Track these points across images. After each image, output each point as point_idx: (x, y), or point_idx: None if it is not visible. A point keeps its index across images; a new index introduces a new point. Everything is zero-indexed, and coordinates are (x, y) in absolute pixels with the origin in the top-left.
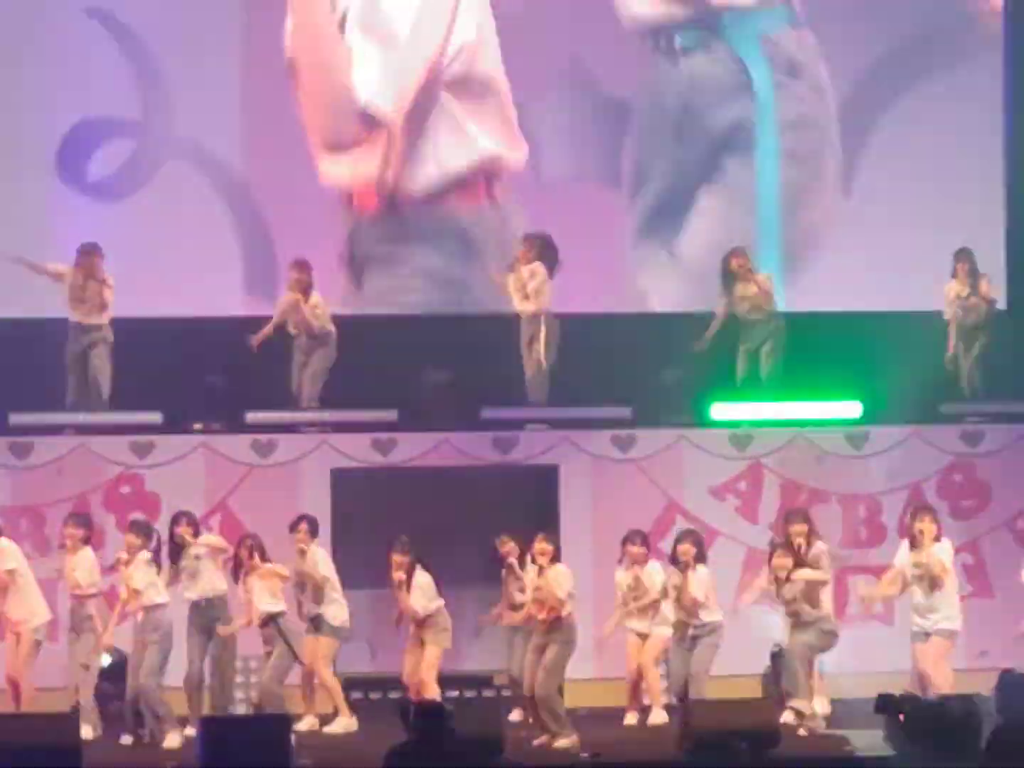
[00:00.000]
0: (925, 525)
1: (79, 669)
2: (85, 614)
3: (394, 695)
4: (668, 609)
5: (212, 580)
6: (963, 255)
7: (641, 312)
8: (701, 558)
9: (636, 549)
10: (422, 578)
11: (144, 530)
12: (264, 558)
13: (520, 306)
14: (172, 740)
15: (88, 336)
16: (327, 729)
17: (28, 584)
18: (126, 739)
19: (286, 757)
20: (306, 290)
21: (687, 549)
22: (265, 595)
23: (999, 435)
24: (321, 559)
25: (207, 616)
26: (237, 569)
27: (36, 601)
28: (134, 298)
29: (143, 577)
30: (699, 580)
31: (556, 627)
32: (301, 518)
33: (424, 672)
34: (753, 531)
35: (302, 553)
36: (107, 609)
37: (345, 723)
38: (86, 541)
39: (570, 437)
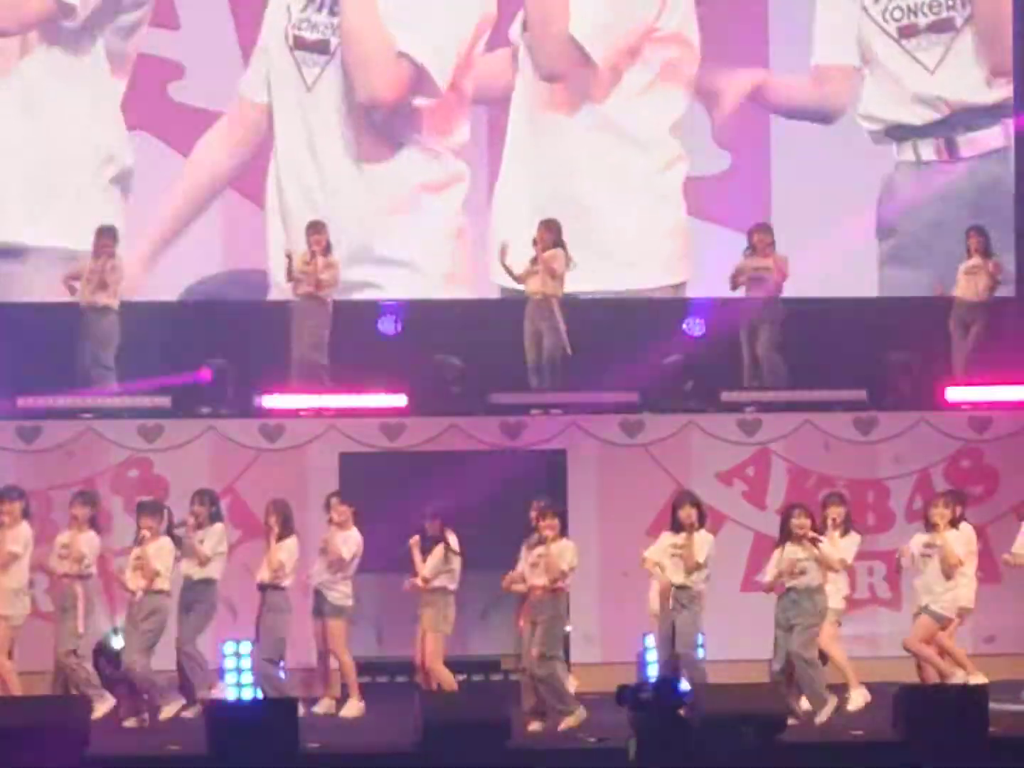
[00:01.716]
0: (939, 511)
1: (66, 654)
2: (73, 595)
3: (401, 679)
4: None
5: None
6: (976, 231)
7: (648, 295)
8: (703, 522)
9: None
10: (446, 551)
11: (157, 510)
12: (288, 529)
13: (535, 288)
14: (169, 711)
15: (101, 317)
16: (342, 713)
17: (23, 572)
18: (129, 722)
19: (293, 741)
20: (324, 250)
21: (689, 512)
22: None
23: (1006, 421)
24: (355, 540)
25: (188, 597)
26: (269, 534)
27: (23, 592)
28: (144, 280)
29: (164, 561)
30: (703, 542)
31: (548, 600)
32: (330, 496)
33: (429, 661)
34: (760, 516)
35: (340, 526)
36: (99, 592)
37: (357, 707)
38: (92, 521)
39: (578, 422)
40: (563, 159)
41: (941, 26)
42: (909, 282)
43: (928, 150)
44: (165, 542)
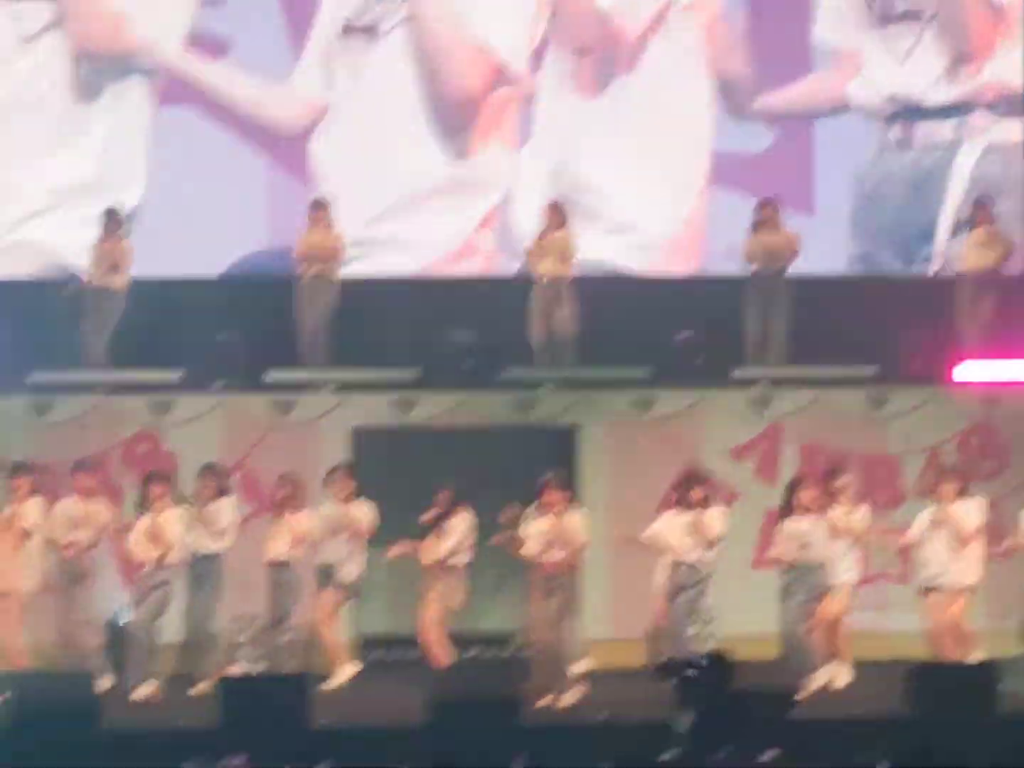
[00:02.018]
0: (946, 485)
1: (80, 623)
2: (87, 564)
3: (413, 654)
4: None
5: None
6: (982, 203)
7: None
8: (710, 498)
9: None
10: (460, 524)
11: (166, 479)
12: (303, 502)
13: (548, 269)
14: (138, 692)
15: (110, 300)
16: (336, 680)
17: (35, 547)
18: (141, 692)
19: (306, 716)
20: (330, 227)
21: (698, 491)
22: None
23: (1017, 398)
24: (370, 513)
25: (198, 572)
26: (280, 507)
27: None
28: (156, 257)
29: (178, 531)
30: (719, 515)
31: (566, 574)
32: (336, 468)
33: (427, 629)
34: (772, 493)
35: (347, 500)
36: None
37: (347, 671)
38: (95, 491)
39: (589, 398)
40: (587, 134)
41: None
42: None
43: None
44: (177, 512)
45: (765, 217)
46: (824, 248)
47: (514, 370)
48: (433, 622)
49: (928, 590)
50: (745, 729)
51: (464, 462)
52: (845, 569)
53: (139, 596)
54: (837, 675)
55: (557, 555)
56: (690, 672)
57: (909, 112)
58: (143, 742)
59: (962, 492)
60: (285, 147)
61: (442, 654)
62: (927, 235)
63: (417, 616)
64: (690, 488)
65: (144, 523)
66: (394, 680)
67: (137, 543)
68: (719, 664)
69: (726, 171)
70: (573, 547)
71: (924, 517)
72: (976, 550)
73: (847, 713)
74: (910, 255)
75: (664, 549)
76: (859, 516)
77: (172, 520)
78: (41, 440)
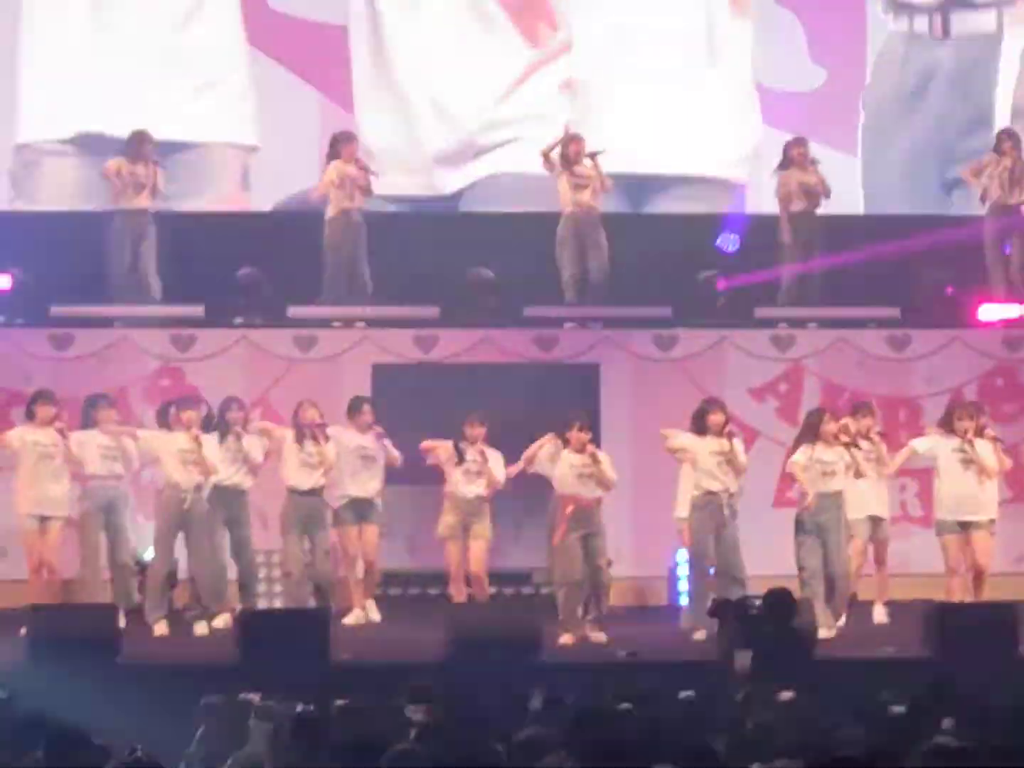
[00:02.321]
0: (965, 422)
1: (126, 559)
2: (126, 493)
3: (433, 591)
4: None
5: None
6: (1009, 133)
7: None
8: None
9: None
10: (496, 454)
11: (196, 405)
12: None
13: (585, 200)
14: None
15: (138, 223)
16: (371, 616)
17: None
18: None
19: (325, 651)
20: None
21: (721, 418)
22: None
23: None
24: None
25: (230, 505)
26: (302, 437)
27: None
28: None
29: (216, 456)
30: (741, 447)
31: (599, 511)
32: (362, 399)
33: (476, 567)
34: (792, 432)
35: (377, 433)
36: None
37: (367, 613)
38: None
39: (611, 336)
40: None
41: None
42: None
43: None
44: (212, 438)
45: (796, 155)
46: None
47: (536, 308)
48: (484, 561)
49: (954, 525)
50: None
51: (484, 400)
52: (878, 503)
53: (167, 526)
54: (877, 613)
55: (592, 492)
56: (753, 610)
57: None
58: (162, 676)
59: (981, 430)
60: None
61: (486, 591)
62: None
63: (448, 547)
64: (711, 413)
65: (177, 446)
66: (414, 616)
67: (174, 468)
68: (781, 602)
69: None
70: (606, 485)
71: (945, 449)
72: (995, 487)
73: (866, 653)
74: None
75: (691, 462)
76: (883, 454)
77: (211, 446)
78: (61, 373)
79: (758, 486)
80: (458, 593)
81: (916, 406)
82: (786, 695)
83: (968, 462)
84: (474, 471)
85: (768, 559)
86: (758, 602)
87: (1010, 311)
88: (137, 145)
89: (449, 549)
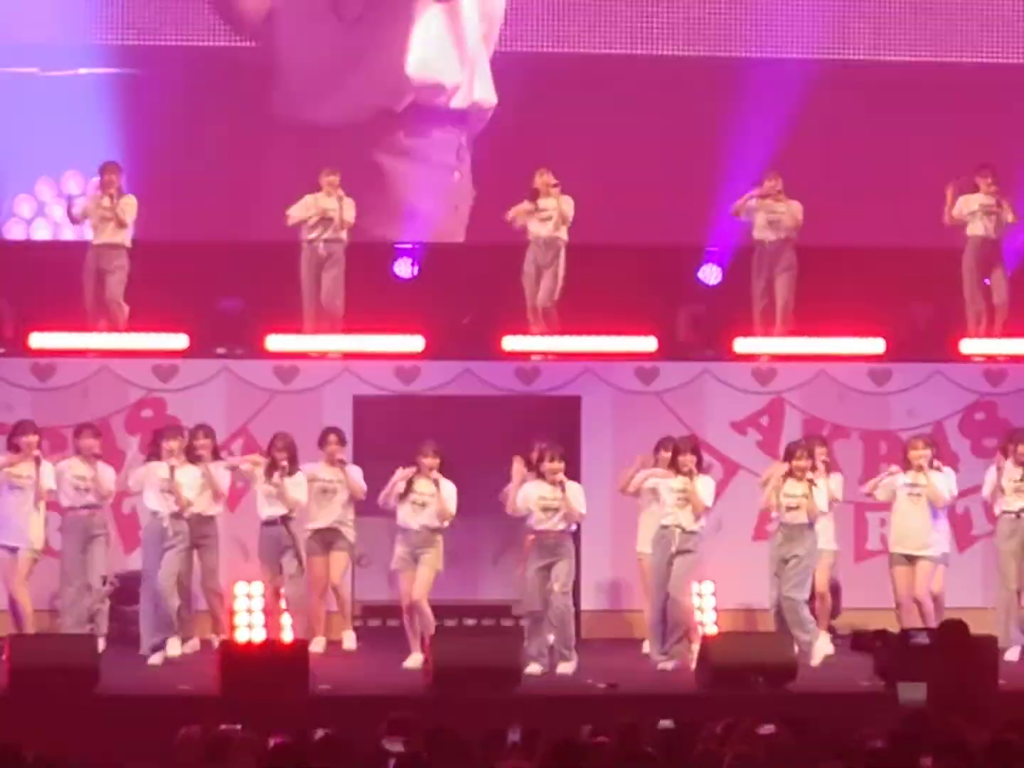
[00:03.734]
0: (919, 452)
1: (101, 582)
2: (100, 525)
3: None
4: None
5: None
6: (986, 169)
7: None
8: (700, 467)
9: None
10: (449, 485)
11: (177, 435)
12: (296, 465)
13: (546, 232)
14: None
15: (104, 258)
16: (346, 646)
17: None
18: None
19: (304, 682)
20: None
21: (689, 459)
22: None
23: (1021, 374)
24: (359, 474)
25: (196, 532)
26: (272, 469)
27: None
28: (160, 220)
29: (190, 484)
30: (707, 486)
31: (567, 542)
32: (329, 431)
33: (418, 593)
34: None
35: (342, 464)
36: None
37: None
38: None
39: (593, 368)
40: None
41: None
42: None
43: None
44: (192, 469)
45: (768, 188)
46: None
47: (516, 340)
48: (427, 586)
49: (915, 561)
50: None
51: (465, 432)
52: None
53: (150, 555)
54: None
55: (556, 524)
56: (920, 641)
57: None
58: (141, 706)
59: (933, 462)
60: None
61: (430, 620)
62: None
63: (400, 578)
64: (681, 454)
65: (188, 473)
66: (392, 648)
67: (155, 497)
68: (956, 633)
69: None
70: (575, 519)
71: (899, 485)
72: (946, 521)
73: (845, 687)
74: None
75: (650, 495)
76: (834, 484)
77: (190, 476)
78: (43, 405)
79: (738, 519)
80: (409, 625)
81: (897, 440)
82: (767, 728)
83: (917, 496)
84: (419, 503)
85: (746, 592)
86: (923, 634)
87: (991, 345)
88: (104, 175)
89: (400, 580)
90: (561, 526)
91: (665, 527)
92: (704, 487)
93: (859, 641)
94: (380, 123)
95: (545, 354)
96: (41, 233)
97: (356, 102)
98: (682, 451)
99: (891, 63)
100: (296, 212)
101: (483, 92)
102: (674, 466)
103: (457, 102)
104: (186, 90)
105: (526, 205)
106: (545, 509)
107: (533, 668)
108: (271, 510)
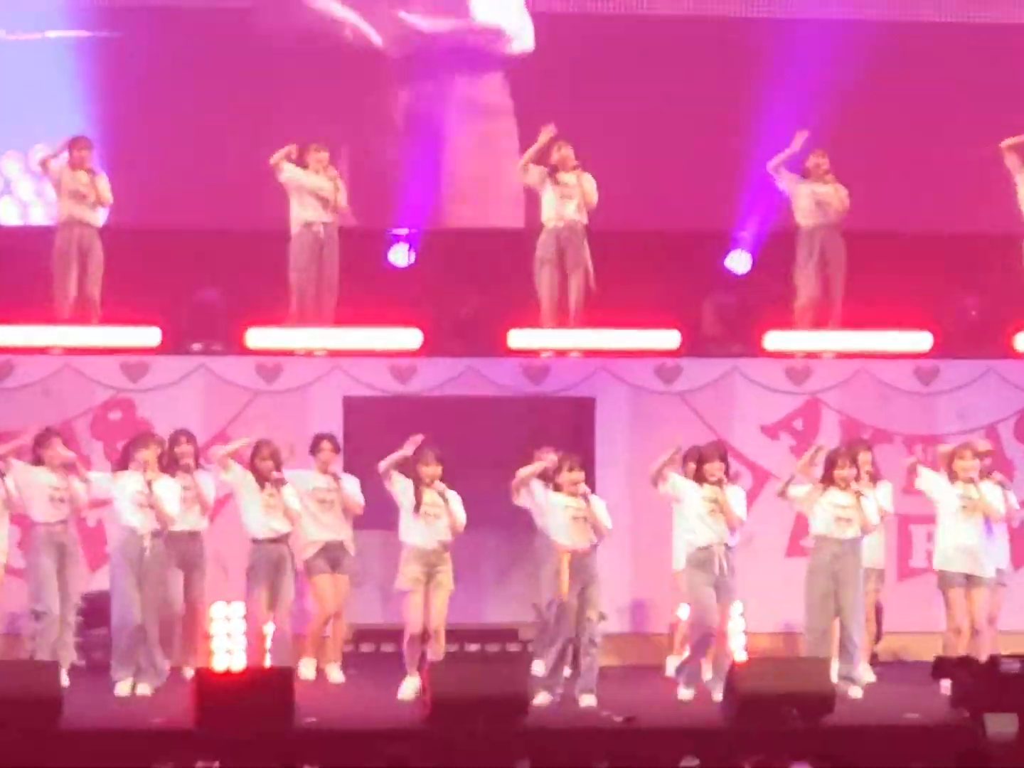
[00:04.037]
0: (967, 463)
1: (72, 608)
2: (72, 541)
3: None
4: None
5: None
6: None
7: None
8: (729, 476)
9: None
10: (455, 495)
11: (154, 442)
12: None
13: (569, 214)
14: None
15: (85, 241)
16: (333, 679)
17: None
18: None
19: (289, 714)
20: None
21: (718, 467)
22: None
23: None
24: (356, 486)
25: (183, 551)
26: (262, 480)
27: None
28: (132, 208)
29: (175, 502)
30: (739, 496)
31: (592, 559)
32: (322, 437)
33: (438, 621)
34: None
35: (335, 477)
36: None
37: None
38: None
39: (608, 366)
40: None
41: None
42: None
43: None
44: (170, 482)
45: (813, 166)
46: None
47: (524, 334)
48: (444, 613)
49: (959, 578)
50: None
51: (467, 437)
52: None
53: (128, 576)
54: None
55: (588, 538)
56: (1011, 669)
57: None
58: (109, 740)
59: (985, 472)
60: None
61: (443, 646)
62: None
63: (412, 600)
64: (708, 462)
65: (131, 488)
66: (387, 675)
67: (130, 512)
68: None
69: None
70: (600, 532)
71: (950, 496)
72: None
73: (888, 720)
74: None
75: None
76: (882, 493)
77: (170, 489)
78: (1, 405)
79: (770, 534)
80: (414, 652)
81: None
82: (801, 767)
83: (971, 510)
84: (432, 515)
85: (780, 614)
86: (1015, 662)
87: None
88: (76, 151)
89: (410, 604)
90: (593, 540)
91: (705, 547)
92: (736, 497)
93: (941, 668)
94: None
95: (556, 350)
96: (8, 213)
97: None
98: (709, 458)
99: (942, 24)
100: (290, 173)
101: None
102: (700, 476)
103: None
104: (165, 55)
105: (543, 169)
106: (575, 519)
107: (543, 698)
108: (271, 526)
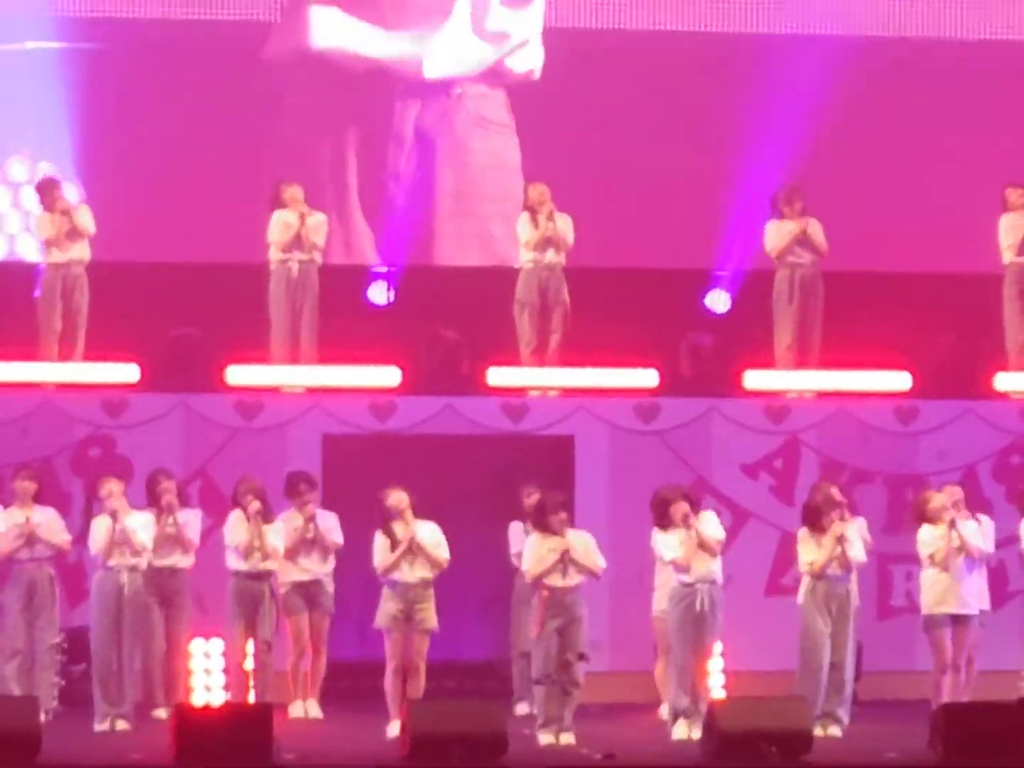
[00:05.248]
0: (937, 505)
1: (51, 648)
2: (49, 579)
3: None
4: None
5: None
6: (1020, 186)
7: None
8: (696, 509)
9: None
10: (429, 524)
11: (118, 475)
12: (270, 513)
13: (547, 258)
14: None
15: (72, 278)
16: (312, 714)
17: None
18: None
19: (268, 751)
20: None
21: (682, 505)
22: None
23: None
24: (335, 522)
25: (164, 588)
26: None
27: None
28: (110, 242)
29: (148, 537)
30: (711, 520)
31: (578, 598)
32: (299, 477)
33: (418, 658)
34: (788, 513)
35: (312, 516)
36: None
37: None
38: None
39: (587, 405)
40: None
41: None
42: None
43: None
44: (140, 514)
45: (784, 205)
46: None
47: (504, 373)
48: (424, 652)
49: (935, 617)
50: None
51: (447, 475)
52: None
53: (107, 614)
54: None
55: (571, 578)
56: None
57: None
58: None
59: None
60: None
61: (423, 683)
62: None
63: (395, 639)
64: (672, 504)
65: (104, 524)
66: (366, 712)
67: (105, 549)
68: None
69: None
70: (590, 572)
71: (940, 542)
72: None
73: (867, 759)
74: None
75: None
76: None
77: (143, 525)
78: None
79: (749, 572)
80: (394, 690)
81: (924, 485)
82: None
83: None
84: (411, 551)
85: (758, 653)
86: None
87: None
88: (46, 196)
89: (390, 641)
90: (578, 580)
91: (688, 584)
92: (709, 522)
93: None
94: None
95: (535, 389)
96: None
97: None
98: (672, 499)
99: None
100: (277, 236)
101: None
102: (664, 522)
103: None
104: (150, 69)
105: (535, 228)
106: (555, 557)
107: (547, 738)
108: (252, 562)
